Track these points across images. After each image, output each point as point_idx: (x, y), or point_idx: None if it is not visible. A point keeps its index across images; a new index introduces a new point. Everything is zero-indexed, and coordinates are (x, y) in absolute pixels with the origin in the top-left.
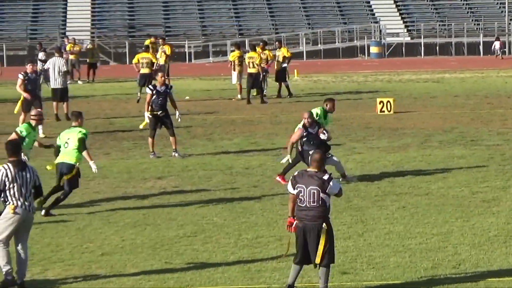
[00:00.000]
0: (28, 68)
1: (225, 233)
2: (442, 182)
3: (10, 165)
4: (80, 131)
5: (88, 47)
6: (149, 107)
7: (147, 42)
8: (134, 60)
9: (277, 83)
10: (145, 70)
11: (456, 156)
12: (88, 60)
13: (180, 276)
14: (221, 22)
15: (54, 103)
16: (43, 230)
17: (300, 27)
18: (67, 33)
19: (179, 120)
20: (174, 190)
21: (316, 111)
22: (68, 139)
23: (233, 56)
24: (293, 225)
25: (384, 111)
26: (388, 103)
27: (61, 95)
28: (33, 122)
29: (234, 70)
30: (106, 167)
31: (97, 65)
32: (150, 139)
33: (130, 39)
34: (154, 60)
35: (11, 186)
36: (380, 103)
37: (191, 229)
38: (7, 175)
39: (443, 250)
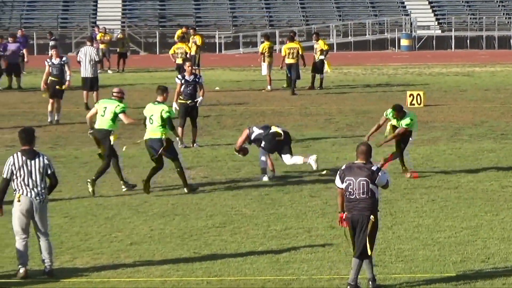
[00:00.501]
0: (53, 54)
1: (253, 224)
2: (472, 176)
3: (19, 154)
4: (163, 110)
5: (118, 36)
6: (178, 97)
7: (178, 32)
8: (171, 51)
9: (311, 75)
10: (180, 61)
11: (486, 150)
12: (118, 50)
13: (209, 266)
14: (251, 13)
15: (84, 92)
16: (72, 219)
17: (331, 19)
18: (98, 23)
19: (198, 104)
20: (203, 181)
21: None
22: (152, 116)
23: (263, 47)
24: (344, 219)
25: (414, 104)
26: (418, 96)
27: (91, 84)
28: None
29: (264, 61)
30: (135, 156)
31: (127, 54)
32: (179, 129)
33: (160, 29)
34: (188, 51)
35: (18, 174)
36: (410, 96)
37: (220, 220)
38: (14, 164)
39: (472, 244)
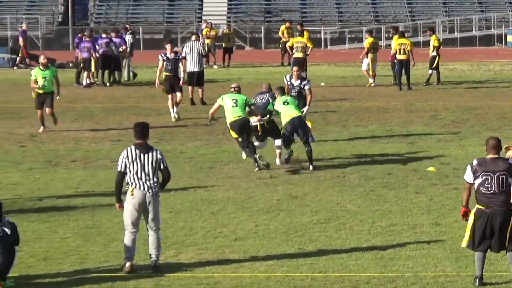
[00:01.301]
0: (168, 48)
1: (358, 220)
2: None
3: (133, 147)
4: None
5: (224, 31)
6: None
7: (282, 27)
8: (289, 44)
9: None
10: (299, 55)
11: None
12: (224, 45)
13: (313, 262)
14: (357, 9)
15: (190, 88)
16: (177, 214)
17: (437, 14)
18: (203, 17)
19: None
20: (308, 176)
21: None
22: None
23: (367, 43)
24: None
25: None
26: None
27: (197, 79)
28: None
29: (367, 56)
30: (240, 151)
31: (233, 49)
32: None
33: (266, 24)
34: (309, 45)
35: (131, 168)
36: None
37: (324, 216)
38: (127, 157)
39: None
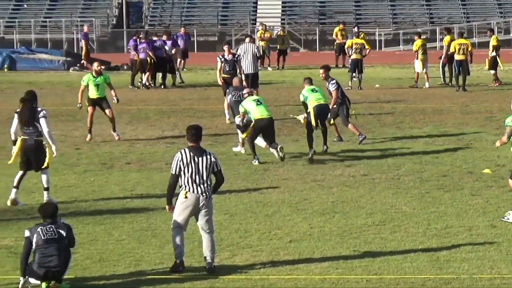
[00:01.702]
0: (225, 50)
1: (414, 222)
2: None
3: (187, 150)
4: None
5: (278, 33)
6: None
7: (336, 29)
8: (347, 45)
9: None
10: (357, 56)
11: None
12: (278, 47)
13: (368, 264)
14: (412, 10)
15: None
16: (231, 216)
17: (492, 15)
18: (258, 20)
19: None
20: (362, 178)
21: None
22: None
23: (416, 45)
24: None
25: None
26: None
27: (252, 80)
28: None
29: (417, 58)
30: (294, 153)
31: (287, 51)
32: (350, 125)
33: (320, 26)
34: (367, 47)
35: (185, 170)
36: None
37: (379, 218)
38: (181, 160)
39: None
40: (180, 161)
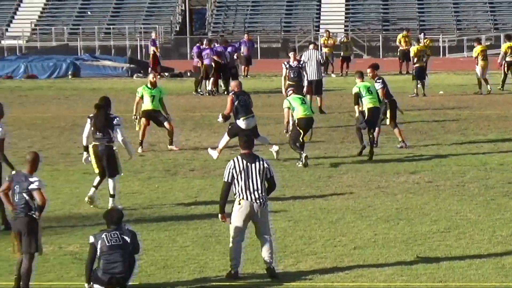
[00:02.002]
0: (291, 57)
1: (479, 229)
2: None
3: (240, 157)
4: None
5: (342, 40)
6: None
7: (399, 36)
8: (412, 53)
9: None
10: (422, 63)
11: None
12: (342, 54)
13: (433, 272)
14: (476, 16)
15: (308, 96)
16: (295, 223)
17: None
18: (321, 26)
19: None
20: (427, 185)
21: None
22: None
23: (476, 51)
24: None
25: None
26: None
27: (316, 87)
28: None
29: (477, 64)
30: (357, 160)
31: (351, 58)
32: (396, 130)
33: (384, 32)
34: (428, 53)
35: (238, 178)
36: None
37: (444, 225)
38: (234, 167)
39: None
40: (232, 168)
